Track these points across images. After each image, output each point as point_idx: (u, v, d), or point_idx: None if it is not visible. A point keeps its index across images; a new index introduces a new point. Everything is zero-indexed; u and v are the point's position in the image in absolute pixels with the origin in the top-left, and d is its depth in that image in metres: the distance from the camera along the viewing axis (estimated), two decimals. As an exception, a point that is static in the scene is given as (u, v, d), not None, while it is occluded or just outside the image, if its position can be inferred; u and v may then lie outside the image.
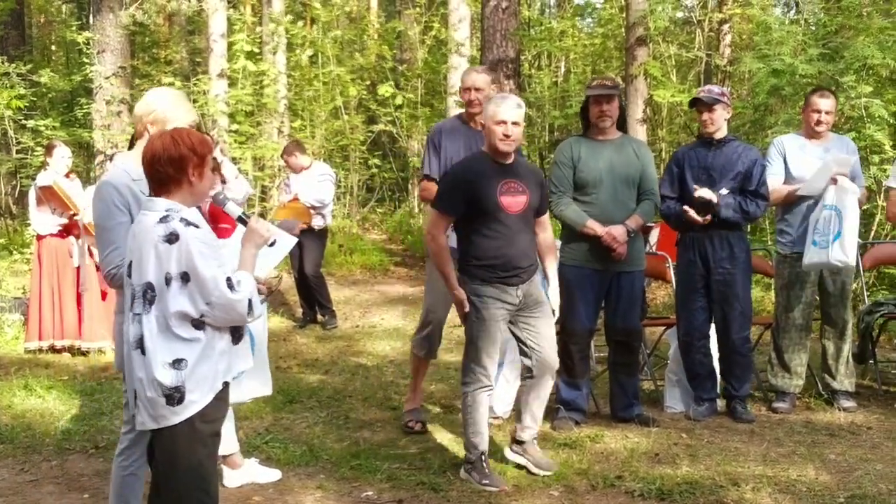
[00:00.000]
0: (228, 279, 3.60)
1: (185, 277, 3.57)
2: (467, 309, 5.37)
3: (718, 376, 6.78)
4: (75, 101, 19.23)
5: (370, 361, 8.80)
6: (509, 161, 5.41)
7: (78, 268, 8.91)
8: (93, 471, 5.66)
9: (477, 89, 6.32)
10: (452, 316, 6.12)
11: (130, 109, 16.35)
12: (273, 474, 5.47)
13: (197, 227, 3.63)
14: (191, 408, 3.63)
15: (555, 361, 5.54)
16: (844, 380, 6.96)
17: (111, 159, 9.77)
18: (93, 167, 16.86)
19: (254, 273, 3.80)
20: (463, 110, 6.58)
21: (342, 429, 6.49)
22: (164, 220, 3.61)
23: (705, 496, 5.11)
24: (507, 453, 5.60)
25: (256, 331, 4.42)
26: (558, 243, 6.93)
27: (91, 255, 8.84)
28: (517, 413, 5.60)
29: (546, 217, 5.69)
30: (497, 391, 6.66)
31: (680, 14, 16.20)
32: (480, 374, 5.37)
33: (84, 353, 8.87)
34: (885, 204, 9.04)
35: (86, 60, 16.81)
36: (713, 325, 6.74)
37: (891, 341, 8.61)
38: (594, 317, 6.51)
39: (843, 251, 6.50)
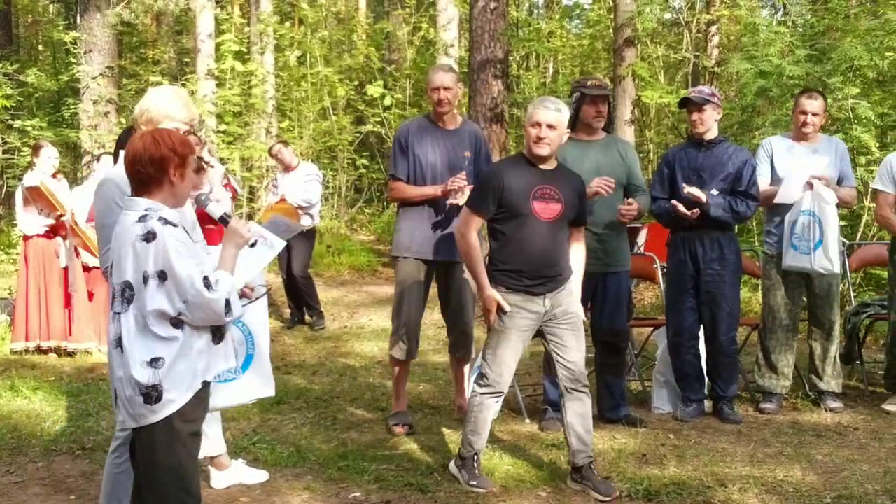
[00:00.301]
0: (206, 278, 3.59)
1: (161, 276, 3.57)
2: (493, 316, 5.19)
3: (706, 377, 6.79)
4: (62, 101, 19.19)
5: (358, 362, 8.79)
6: (549, 165, 5.25)
7: (66, 268, 8.87)
8: (79, 472, 5.64)
9: (446, 88, 6.32)
10: (437, 318, 6.11)
11: (118, 110, 16.34)
12: (260, 475, 5.45)
13: (175, 226, 3.63)
14: (169, 407, 3.63)
15: (583, 375, 5.31)
16: (831, 380, 6.98)
17: (98, 159, 9.71)
18: (80, 167, 16.82)
19: (234, 273, 3.78)
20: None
21: (330, 430, 6.48)
22: (142, 219, 3.61)
23: (692, 497, 5.12)
24: (570, 483, 5.28)
25: (256, 331, 4.39)
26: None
27: (78, 255, 8.81)
28: (566, 438, 5.34)
29: (581, 233, 5.49)
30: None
31: (668, 15, 16.24)
32: (494, 380, 5.25)
33: (70, 354, 8.83)
34: (872, 205, 9.07)
35: (73, 60, 16.80)
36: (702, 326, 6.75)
37: (877, 342, 8.63)
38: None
39: (828, 259, 6.58)
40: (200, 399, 3.74)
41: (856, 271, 9.14)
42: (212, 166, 6.97)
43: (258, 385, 4.38)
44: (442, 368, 8.22)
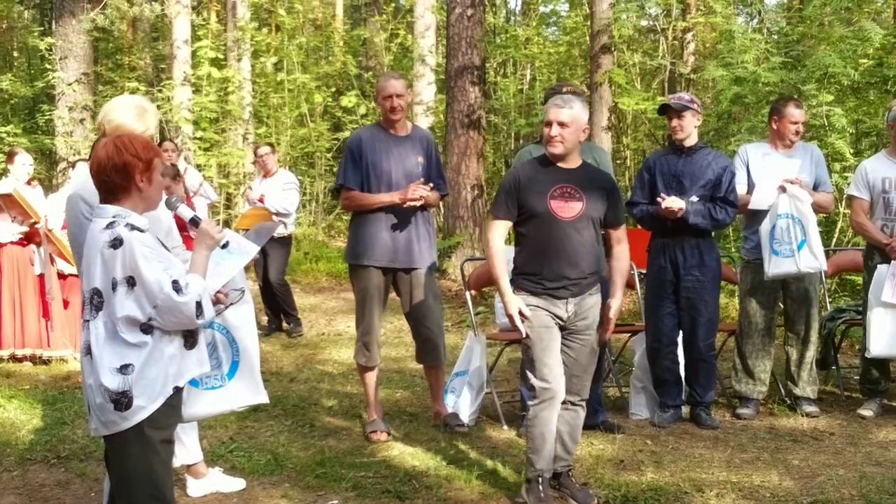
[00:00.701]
0: (175, 282, 3.57)
1: (130, 282, 3.56)
2: (518, 323, 4.98)
3: (683, 383, 6.81)
4: (37, 107, 19.09)
5: (336, 369, 8.77)
6: (571, 164, 5.05)
7: (41, 276, 8.81)
8: (54, 481, 5.59)
9: (398, 95, 6.33)
10: (404, 323, 6.10)
11: (93, 116, 16.26)
12: (237, 483, 5.42)
13: (142, 231, 3.62)
14: (139, 413, 3.61)
15: (584, 389, 5.14)
16: (807, 386, 7.01)
17: (74, 166, 9.67)
18: (55, 174, 16.73)
19: (206, 276, 3.77)
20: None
21: (307, 437, 6.45)
22: (110, 226, 3.62)
23: (670, 502, 5.13)
24: (524, 492, 5.14)
25: (240, 336, 4.34)
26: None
27: (53, 262, 8.75)
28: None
29: (621, 233, 5.17)
30: (463, 399, 6.67)
31: (644, 22, 16.29)
32: (540, 387, 4.99)
33: (46, 362, 8.77)
34: (847, 211, 9.13)
35: (48, 66, 16.72)
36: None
37: (853, 347, 8.68)
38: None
39: (814, 257, 6.61)
40: (172, 406, 3.72)
41: (831, 277, 9.20)
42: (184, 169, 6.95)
43: (246, 392, 4.34)
44: (420, 375, 8.20)
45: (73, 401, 7.28)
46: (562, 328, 5.04)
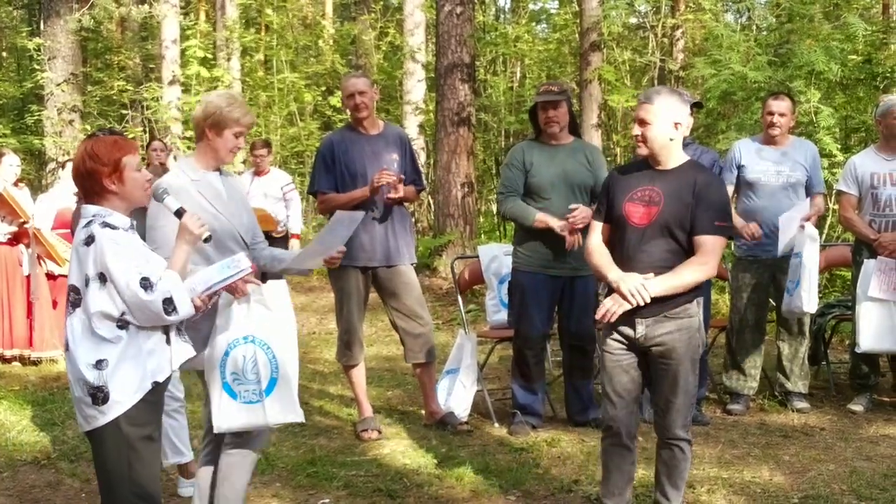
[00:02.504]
0: (145, 279, 3.58)
1: (101, 278, 3.60)
2: (641, 296, 4.31)
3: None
4: (26, 108, 19.03)
5: (327, 368, 8.77)
6: (668, 165, 4.42)
7: (28, 276, 8.78)
8: (45, 482, 5.57)
9: (360, 93, 6.30)
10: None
11: (82, 116, 16.22)
12: (228, 483, 5.41)
13: (115, 228, 3.65)
14: (115, 408, 3.62)
15: (672, 425, 4.49)
16: (798, 381, 7.03)
17: (63, 167, 9.65)
18: (44, 175, 16.69)
19: (184, 271, 3.78)
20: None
21: (298, 436, 6.44)
22: (87, 224, 3.68)
23: (661, 499, 5.14)
24: None
25: (280, 355, 4.27)
26: (508, 248, 6.94)
27: (41, 263, 8.72)
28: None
29: (709, 244, 4.31)
30: (454, 397, 6.67)
31: (633, 19, 16.31)
32: (608, 419, 4.57)
33: (35, 363, 8.74)
34: (836, 207, 9.15)
35: (37, 67, 16.66)
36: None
37: (843, 343, 8.70)
38: (548, 321, 6.54)
39: (800, 300, 6.57)
40: (151, 402, 3.72)
41: (821, 272, 9.21)
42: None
43: (282, 410, 4.31)
44: (410, 373, 8.19)
45: (62, 402, 7.26)
46: (641, 351, 4.47)
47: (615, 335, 4.45)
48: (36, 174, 18.28)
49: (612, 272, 4.36)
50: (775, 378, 7.20)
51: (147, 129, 17.46)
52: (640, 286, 4.22)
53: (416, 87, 15.92)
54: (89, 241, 3.63)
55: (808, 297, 6.58)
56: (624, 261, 4.38)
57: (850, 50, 10.44)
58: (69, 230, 5.21)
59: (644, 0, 15.01)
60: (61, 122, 15.91)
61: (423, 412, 6.81)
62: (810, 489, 5.26)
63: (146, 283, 3.57)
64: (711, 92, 10.65)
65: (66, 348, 3.71)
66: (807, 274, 6.57)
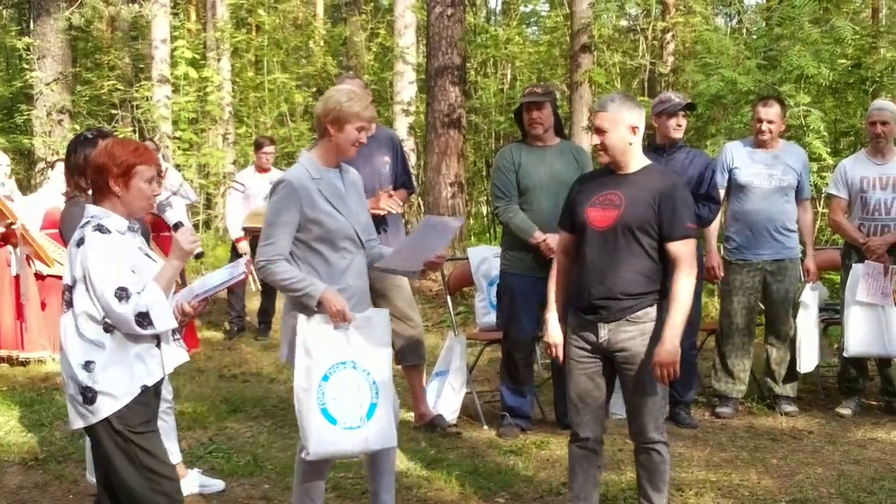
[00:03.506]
0: (121, 289, 3.59)
1: (86, 280, 3.64)
2: (553, 354, 4.58)
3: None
4: (15, 107, 18.97)
5: (316, 370, 8.73)
6: (630, 168, 4.41)
7: (17, 277, 8.74)
8: (32, 483, 5.55)
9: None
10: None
11: (71, 116, 16.17)
12: (217, 485, 5.41)
13: (107, 232, 3.66)
14: (104, 410, 3.66)
15: (638, 431, 4.49)
16: (787, 385, 7.04)
17: (52, 166, 9.62)
18: (34, 174, 16.65)
19: (168, 286, 3.78)
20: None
21: (287, 438, 6.43)
22: (84, 225, 3.71)
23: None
24: None
25: (381, 381, 4.29)
26: (498, 250, 6.94)
27: (30, 264, 8.68)
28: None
29: (685, 249, 4.32)
30: (443, 399, 6.67)
31: (624, 22, 16.34)
32: (574, 425, 4.60)
33: (23, 364, 8.70)
34: (825, 210, 9.18)
35: (26, 66, 16.61)
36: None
37: (831, 346, 8.72)
38: (537, 324, 6.53)
39: (799, 360, 6.98)
40: (143, 404, 3.75)
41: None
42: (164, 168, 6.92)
43: (380, 435, 4.31)
44: (399, 375, 8.17)
45: (50, 402, 7.24)
46: (606, 357, 4.47)
47: (579, 342, 4.46)
48: (25, 174, 18.21)
49: (550, 320, 4.56)
50: (764, 381, 7.21)
51: (136, 129, 17.43)
52: (663, 365, 4.28)
53: (406, 89, 15.92)
54: (80, 242, 3.66)
55: (806, 358, 6.94)
56: (584, 267, 4.40)
57: (840, 54, 10.46)
58: (58, 230, 5.19)
59: (634, 3, 15.02)
60: (50, 122, 15.87)
61: (411, 414, 6.80)
62: (798, 493, 5.27)
63: (122, 294, 3.59)
64: (701, 96, 10.66)
65: (61, 346, 3.75)
66: (805, 337, 6.91)
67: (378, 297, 6.42)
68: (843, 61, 10.51)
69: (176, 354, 3.87)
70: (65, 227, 4.91)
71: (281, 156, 17.51)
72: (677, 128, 6.58)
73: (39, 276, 8.80)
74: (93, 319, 3.65)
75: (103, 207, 3.76)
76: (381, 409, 4.29)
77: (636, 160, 4.43)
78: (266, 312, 10.46)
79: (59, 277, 8.44)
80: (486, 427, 6.62)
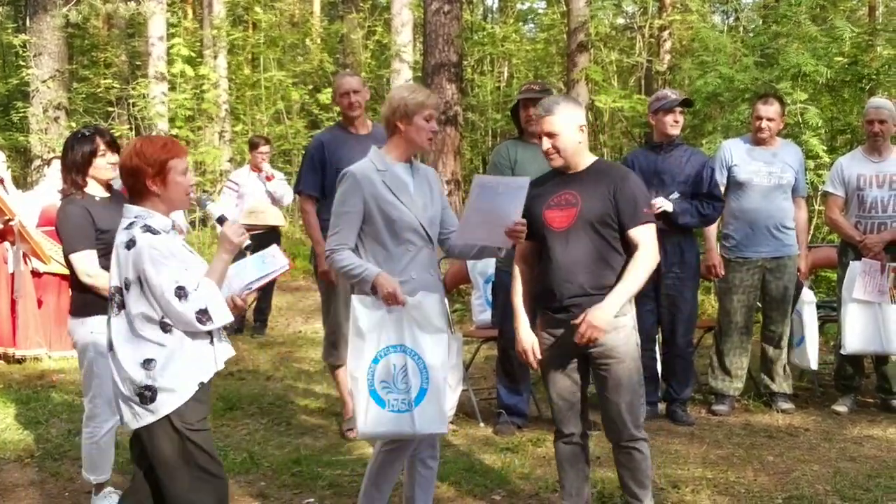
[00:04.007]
0: (180, 288, 3.61)
1: (140, 282, 3.65)
2: (528, 359, 4.56)
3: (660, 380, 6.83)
4: (11, 104, 18.94)
5: (312, 367, 8.75)
6: (577, 169, 4.43)
7: (12, 274, 8.72)
8: (28, 481, 5.55)
9: (355, 91, 6.33)
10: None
11: (68, 113, 16.14)
12: (213, 482, 5.40)
13: (157, 233, 3.68)
14: (164, 407, 3.69)
15: (624, 427, 4.45)
16: (783, 382, 7.05)
17: (49, 164, 9.61)
18: (30, 172, 16.62)
19: (222, 281, 3.80)
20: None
21: (283, 435, 6.43)
22: (129, 226, 3.72)
23: (646, 499, 5.14)
24: None
25: (431, 365, 4.29)
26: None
27: (27, 261, 8.67)
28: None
29: (644, 233, 4.34)
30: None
31: (620, 20, 16.35)
32: (557, 422, 4.63)
33: (19, 361, 8.69)
34: (822, 208, 9.18)
35: (22, 63, 16.57)
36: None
37: (828, 344, 8.72)
38: (534, 321, 6.52)
39: (804, 356, 7.09)
40: (199, 401, 3.78)
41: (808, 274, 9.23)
42: None
43: (430, 420, 4.30)
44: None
45: (46, 400, 7.24)
46: (582, 355, 4.48)
47: (552, 341, 4.48)
48: (21, 171, 18.17)
49: (521, 328, 4.54)
50: (760, 379, 7.21)
51: (133, 127, 17.41)
52: (591, 326, 4.21)
53: (403, 87, 15.89)
54: (130, 244, 3.66)
55: (812, 356, 7.05)
56: (549, 269, 4.39)
57: (837, 52, 10.48)
58: (54, 227, 5.18)
59: (631, 0, 15.03)
60: (47, 119, 15.83)
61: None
62: (794, 489, 5.27)
63: (181, 293, 3.61)
64: (698, 93, 10.67)
65: (110, 347, 3.76)
66: (810, 334, 7.00)
67: None
68: (840, 59, 10.52)
69: (225, 349, 3.92)
70: (61, 225, 4.90)
71: (277, 153, 17.52)
72: (674, 124, 6.57)
73: (36, 274, 8.78)
74: (150, 321, 3.66)
75: (144, 207, 3.78)
76: (430, 394, 4.29)
77: (585, 158, 4.46)
78: (262, 311, 10.47)
79: (56, 275, 8.51)
80: (482, 424, 6.62)
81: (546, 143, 4.38)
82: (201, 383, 3.77)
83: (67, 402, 7.19)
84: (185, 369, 3.71)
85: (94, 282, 4.76)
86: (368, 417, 4.22)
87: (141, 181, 3.76)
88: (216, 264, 3.83)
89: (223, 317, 3.74)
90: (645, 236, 4.34)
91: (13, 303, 8.73)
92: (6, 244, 8.73)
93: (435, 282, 4.45)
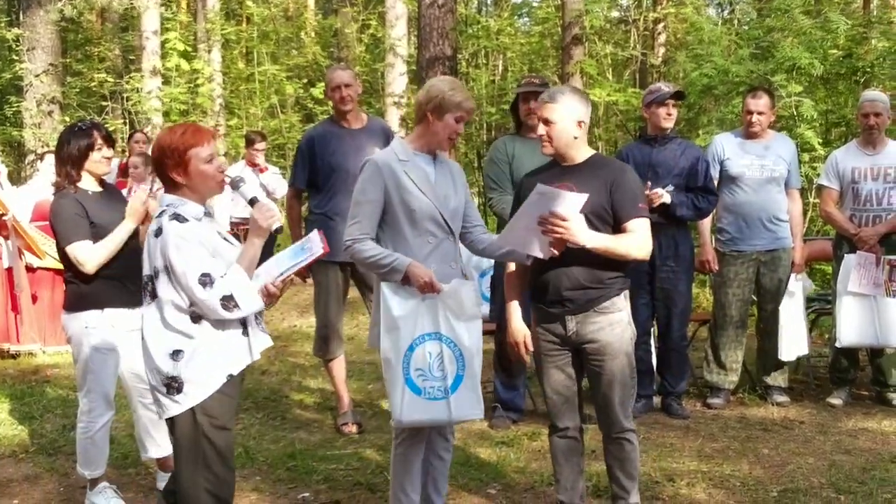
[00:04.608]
0: (205, 275, 3.60)
1: (168, 270, 3.65)
2: (519, 352, 4.59)
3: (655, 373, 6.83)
4: (5, 99, 18.89)
5: (307, 362, 8.74)
6: (575, 160, 4.41)
7: (9, 269, 8.70)
8: (22, 475, 5.54)
9: (346, 85, 6.30)
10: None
11: (62, 108, 16.10)
12: (208, 477, 5.39)
13: (184, 220, 3.67)
14: (189, 399, 3.69)
15: (617, 420, 4.46)
16: (778, 375, 7.05)
17: (42, 158, 9.57)
18: (23, 167, 16.58)
19: (251, 267, 3.78)
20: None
21: (278, 430, 6.43)
22: (160, 214, 3.72)
23: (641, 492, 5.10)
24: None
25: (467, 353, 4.30)
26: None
27: (22, 256, 8.64)
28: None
29: (639, 226, 4.34)
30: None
31: (615, 13, 16.33)
32: (552, 416, 4.61)
33: (14, 357, 8.68)
34: (816, 201, 9.19)
35: (15, 58, 16.52)
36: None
37: (822, 337, 8.74)
38: (529, 316, 6.52)
39: (783, 348, 6.95)
40: (226, 394, 3.77)
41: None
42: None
43: (465, 406, 4.31)
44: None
45: (41, 395, 7.23)
46: (575, 349, 4.47)
47: (547, 335, 4.46)
48: (15, 166, 18.12)
49: (513, 320, 4.58)
50: (755, 372, 7.22)
51: (127, 121, 17.37)
52: (569, 232, 4.13)
53: (397, 80, 15.90)
54: (158, 232, 3.66)
55: (787, 346, 6.91)
56: (543, 262, 4.35)
57: (831, 45, 10.47)
58: (48, 222, 5.16)
59: (626, -7, 15.02)
60: (40, 114, 15.80)
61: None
62: (789, 482, 5.27)
63: (205, 280, 3.60)
64: (693, 86, 10.66)
65: (142, 337, 3.77)
66: (788, 325, 6.90)
67: (368, 290, 6.41)
68: (835, 52, 10.51)
69: (262, 339, 3.92)
70: (55, 218, 4.88)
71: (272, 147, 17.50)
72: (667, 117, 6.57)
73: (30, 269, 8.76)
74: (179, 309, 3.66)
75: (176, 195, 3.78)
76: (466, 380, 4.29)
77: (581, 152, 4.44)
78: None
79: (50, 270, 8.49)
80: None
81: (541, 129, 4.38)
82: (230, 375, 3.76)
83: (62, 397, 7.18)
84: (212, 361, 3.71)
85: (93, 266, 4.76)
86: (404, 405, 4.22)
87: (164, 172, 3.77)
88: (247, 249, 3.80)
89: (251, 304, 3.72)
90: (640, 227, 4.33)
91: (13, 298, 8.70)
92: (0, 239, 8.70)
93: (456, 274, 4.41)
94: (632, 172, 4.50)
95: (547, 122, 4.35)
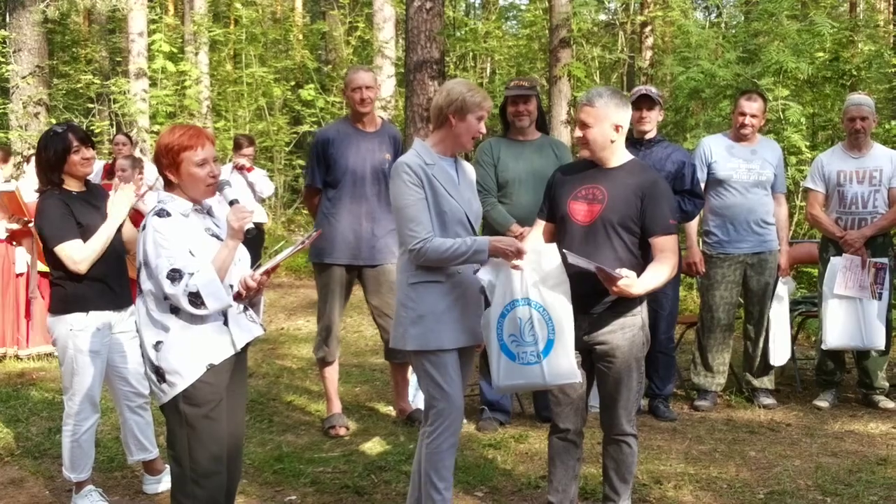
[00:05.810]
0: (174, 271, 3.67)
1: (147, 263, 3.74)
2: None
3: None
4: (-10, 100, 18.84)
5: (295, 364, 8.73)
6: (612, 163, 4.40)
7: (20, 275, 8.64)
8: (8, 479, 5.51)
9: (367, 87, 6.28)
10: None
11: (48, 110, 16.05)
12: (194, 480, 5.37)
13: (167, 216, 3.76)
14: (173, 388, 3.78)
15: (619, 422, 4.49)
16: (765, 378, 7.07)
17: (28, 161, 9.54)
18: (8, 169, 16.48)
19: (223, 266, 3.81)
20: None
21: (265, 432, 6.41)
22: (151, 210, 3.82)
23: (628, 495, 5.15)
24: None
25: (556, 315, 4.23)
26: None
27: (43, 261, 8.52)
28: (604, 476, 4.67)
29: (669, 243, 4.29)
30: (421, 394, 6.64)
31: (603, 16, 16.35)
32: (554, 416, 4.60)
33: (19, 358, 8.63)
34: (803, 204, 9.22)
35: (1, 59, 16.46)
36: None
37: (809, 339, 8.77)
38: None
39: (773, 354, 7.00)
40: (208, 383, 3.82)
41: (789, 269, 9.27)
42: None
43: (559, 370, 4.28)
44: (380, 370, 8.19)
45: (27, 398, 7.19)
46: (585, 350, 4.44)
47: None
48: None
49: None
50: (742, 374, 7.23)
51: (113, 123, 17.32)
52: (624, 285, 4.09)
53: (385, 83, 15.88)
54: (144, 226, 3.77)
55: (780, 351, 6.97)
56: (565, 261, 4.29)
57: (818, 48, 10.51)
58: (34, 224, 5.14)
59: (614, -3, 15.05)
60: (27, 116, 15.75)
61: (390, 409, 6.79)
62: (776, 485, 5.28)
63: (174, 275, 3.66)
64: (680, 89, 10.69)
65: (136, 327, 3.91)
66: (779, 330, 6.96)
67: (371, 293, 6.42)
68: (822, 55, 10.55)
69: (248, 330, 3.98)
70: (42, 219, 4.86)
71: (260, 150, 17.49)
72: (640, 120, 6.57)
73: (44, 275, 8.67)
74: (159, 301, 3.76)
75: (171, 193, 3.88)
76: (558, 345, 4.26)
77: (618, 156, 4.41)
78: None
79: (40, 273, 8.44)
80: (465, 421, 6.59)
81: (577, 132, 4.39)
82: (211, 365, 3.81)
83: (48, 399, 7.15)
84: (190, 351, 3.77)
85: (87, 264, 4.76)
86: (501, 372, 4.30)
87: (161, 170, 3.88)
88: (220, 250, 3.84)
89: (217, 302, 3.74)
90: (669, 244, 4.29)
91: (28, 303, 8.64)
92: (13, 244, 8.63)
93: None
94: (665, 184, 4.47)
95: (584, 125, 4.34)
